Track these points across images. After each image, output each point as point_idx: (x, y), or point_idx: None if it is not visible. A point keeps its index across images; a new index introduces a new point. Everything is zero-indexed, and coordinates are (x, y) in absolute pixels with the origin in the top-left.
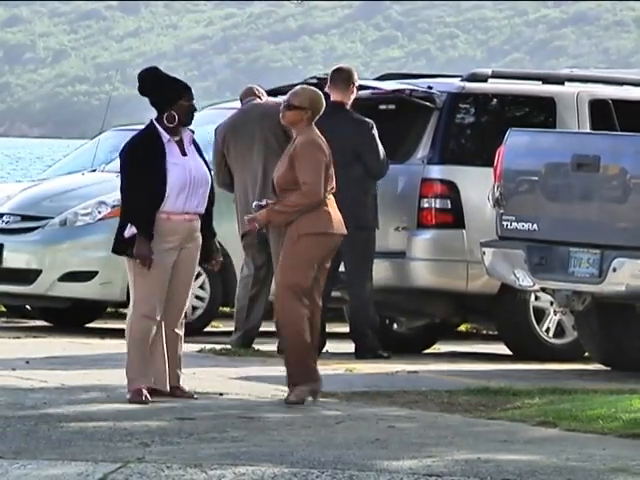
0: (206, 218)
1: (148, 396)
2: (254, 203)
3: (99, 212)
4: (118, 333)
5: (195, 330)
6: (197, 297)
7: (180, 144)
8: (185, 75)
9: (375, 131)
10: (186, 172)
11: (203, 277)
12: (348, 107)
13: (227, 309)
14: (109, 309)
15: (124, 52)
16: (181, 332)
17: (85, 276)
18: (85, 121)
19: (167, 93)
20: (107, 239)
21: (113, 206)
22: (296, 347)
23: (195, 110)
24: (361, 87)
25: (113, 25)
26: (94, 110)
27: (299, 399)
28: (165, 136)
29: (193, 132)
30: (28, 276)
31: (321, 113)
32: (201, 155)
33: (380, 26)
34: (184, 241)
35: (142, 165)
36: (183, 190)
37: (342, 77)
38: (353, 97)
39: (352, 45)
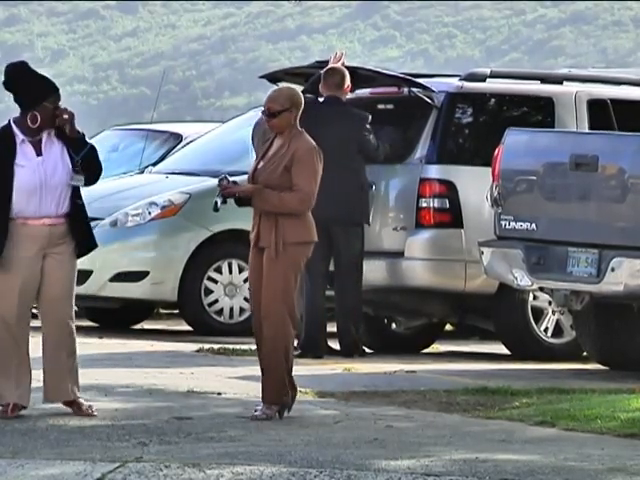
0: (74, 217)
1: (9, 412)
2: (224, 175)
3: (149, 213)
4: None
5: (242, 331)
6: (246, 299)
7: (37, 144)
8: (183, 75)
9: (368, 124)
10: (35, 174)
11: None
12: (343, 100)
13: None
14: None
15: (122, 52)
16: (70, 344)
17: (136, 276)
18: (83, 121)
19: (33, 92)
20: (158, 239)
21: (163, 207)
22: (282, 366)
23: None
24: (366, 71)
25: (111, 25)
26: (92, 110)
27: (269, 416)
28: (19, 137)
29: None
30: (79, 277)
31: (302, 108)
32: (69, 154)
33: (378, 26)
34: (46, 247)
35: None
36: (34, 193)
37: (335, 81)
38: (346, 95)
39: (350, 45)
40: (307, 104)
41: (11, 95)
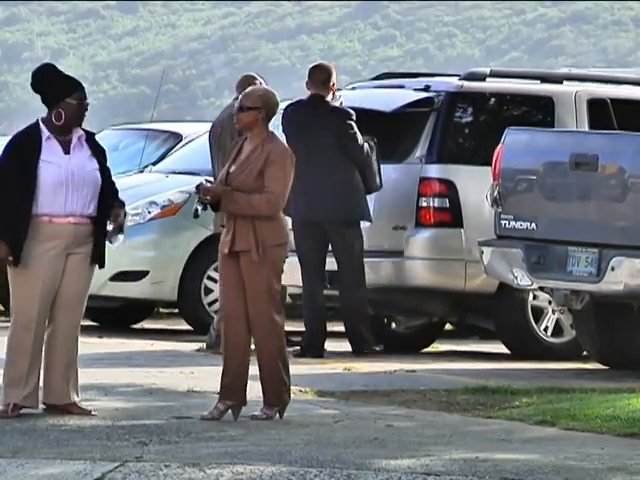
0: (99, 223)
1: (9, 412)
2: (204, 179)
3: (149, 212)
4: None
5: None
6: None
7: (66, 143)
8: (183, 74)
9: (352, 120)
10: (62, 171)
11: None
12: (327, 99)
13: None
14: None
15: (122, 51)
16: (75, 346)
17: (136, 275)
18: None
19: (55, 91)
20: (158, 239)
21: (163, 206)
22: (278, 366)
23: (86, 109)
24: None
25: (111, 24)
26: (92, 109)
27: (269, 416)
28: (45, 133)
29: (94, 133)
30: None
31: (275, 113)
32: (100, 156)
33: (378, 25)
34: (70, 246)
35: (13, 162)
36: (60, 189)
37: (321, 78)
38: (332, 93)
39: (350, 44)
40: (291, 107)
41: (10, 95)
